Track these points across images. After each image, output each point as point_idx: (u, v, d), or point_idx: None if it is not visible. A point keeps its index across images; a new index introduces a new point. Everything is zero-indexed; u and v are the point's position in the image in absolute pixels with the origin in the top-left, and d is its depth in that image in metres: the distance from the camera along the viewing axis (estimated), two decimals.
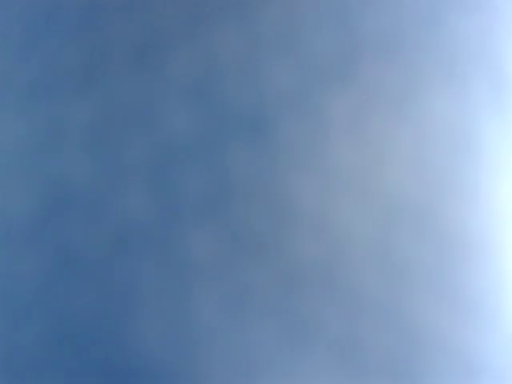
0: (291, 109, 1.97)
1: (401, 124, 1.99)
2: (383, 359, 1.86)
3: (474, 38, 2.06)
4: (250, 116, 1.96)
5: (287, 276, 1.88)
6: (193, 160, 1.93)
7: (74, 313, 1.84)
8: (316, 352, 1.85)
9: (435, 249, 1.93)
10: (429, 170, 1.97)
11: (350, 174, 1.95)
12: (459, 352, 1.88)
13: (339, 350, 1.85)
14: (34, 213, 1.88)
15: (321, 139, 1.96)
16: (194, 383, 1.81)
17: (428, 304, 1.90)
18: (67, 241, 1.87)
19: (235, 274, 1.88)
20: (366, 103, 2.00)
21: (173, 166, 1.92)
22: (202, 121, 1.95)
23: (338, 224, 1.92)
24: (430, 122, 2.00)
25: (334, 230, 1.91)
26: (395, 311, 1.88)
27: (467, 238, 1.94)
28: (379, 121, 1.99)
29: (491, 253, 1.95)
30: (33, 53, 1.98)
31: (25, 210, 1.89)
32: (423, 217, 1.94)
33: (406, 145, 1.98)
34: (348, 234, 1.91)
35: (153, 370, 1.82)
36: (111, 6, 2.01)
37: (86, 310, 1.84)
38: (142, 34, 2.00)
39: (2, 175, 1.91)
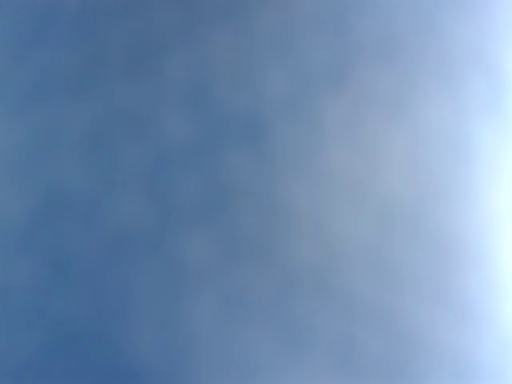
0: (286, 113, 1.98)
1: (396, 128, 2.00)
2: (378, 362, 1.86)
3: (469, 42, 2.06)
4: (245, 120, 1.97)
5: (282, 280, 1.88)
6: (188, 165, 1.93)
7: (70, 317, 1.84)
8: (311, 356, 1.85)
9: (429, 253, 1.93)
10: (423, 173, 1.98)
11: (345, 178, 1.95)
12: (453, 355, 1.88)
13: (334, 354, 1.86)
14: (30, 217, 1.88)
15: (316, 143, 1.97)
16: None
17: (422, 308, 1.90)
18: (63, 245, 1.87)
19: (230, 278, 1.88)
20: (360, 107, 2.00)
21: (168, 171, 1.93)
22: (197, 126, 1.96)
23: (333, 228, 1.92)
24: (424, 125, 2.01)
25: (328, 234, 1.92)
26: (390, 315, 1.89)
27: (461, 242, 1.95)
28: (374, 125, 1.99)
29: (485, 256, 1.95)
30: (29, 58, 1.98)
31: (21, 215, 1.89)
32: (418, 221, 1.94)
33: (401, 149, 1.99)
34: (343, 238, 1.92)
35: (149, 374, 1.82)
36: (107, 13, 2.01)
37: (81, 314, 1.84)
38: (137, 39, 2.00)
39: None
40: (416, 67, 2.03)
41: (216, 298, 1.86)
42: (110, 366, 1.81)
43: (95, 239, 1.88)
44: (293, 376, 1.84)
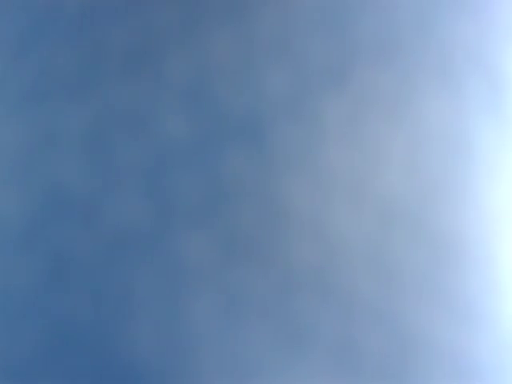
0: (286, 113, 1.98)
1: (395, 127, 2.00)
2: (377, 362, 1.86)
3: (469, 42, 2.07)
4: (244, 120, 1.97)
5: (282, 280, 1.88)
6: (188, 164, 1.93)
7: (70, 316, 1.84)
8: (311, 356, 1.85)
9: (429, 253, 1.93)
10: (423, 173, 1.98)
11: (345, 178, 1.95)
12: (452, 354, 1.89)
13: (334, 354, 1.86)
14: (29, 217, 1.88)
15: (315, 143, 1.97)
16: None
17: (421, 307, 1.90)
18: (63, 245, 1.87)
19: (230, 278, 1.88)
20: (360, 107, 2.00)
21: (168, 171, 1.93)
22: (196, 125, 1.96)
23: (332, 228, 1.92)
24: (424, 124, 2.01)
25: (328, 234, 1.92)
26: (389, 314, 1.89)
27: (460, 241, 1.95)
28: (374, 124, 2.00)
29: (484, 256, 1.95)
30: (28, 59, 1.98)
31: (20, 215, 1.89)
32: (417, 220, 1.95)
33: (401, 148, 1.99)
34: (342, 237, 1.92)
35: (148, 373, 1.82)
36: (107, 13, 2.01)
37: (81, 314, 1.84)
38: (136, 39, 2.00)
39: None
40: (416, 67, 2.03)
41: (216, 297, 1.86)
42: (109, 365, 1.81)
43: (95, 239, 1.88)
44: (293, 376, 1.84)
